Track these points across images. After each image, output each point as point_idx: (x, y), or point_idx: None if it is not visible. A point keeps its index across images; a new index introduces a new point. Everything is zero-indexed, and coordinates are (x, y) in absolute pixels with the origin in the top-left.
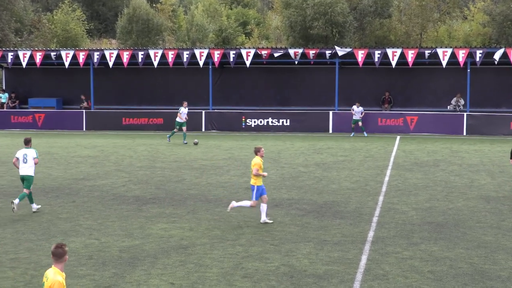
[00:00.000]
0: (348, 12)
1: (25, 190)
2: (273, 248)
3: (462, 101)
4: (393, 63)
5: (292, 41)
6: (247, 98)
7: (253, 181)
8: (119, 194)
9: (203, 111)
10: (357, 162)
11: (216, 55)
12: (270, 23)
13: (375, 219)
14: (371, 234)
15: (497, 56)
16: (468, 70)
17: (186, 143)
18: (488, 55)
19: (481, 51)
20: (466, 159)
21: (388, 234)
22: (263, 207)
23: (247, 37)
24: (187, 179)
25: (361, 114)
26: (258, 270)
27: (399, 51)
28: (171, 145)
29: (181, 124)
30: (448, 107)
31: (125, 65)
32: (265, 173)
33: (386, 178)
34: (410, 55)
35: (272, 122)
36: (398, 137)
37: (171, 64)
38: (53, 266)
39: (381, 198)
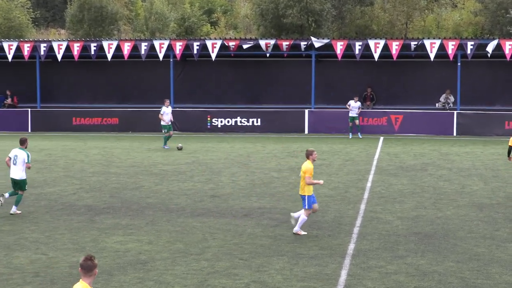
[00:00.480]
0: None
1: (20, 192)
2: (242, 263)
3: (452, 98)
4: (376, 56)
5: (263, 31)
6: (213, 95)
7: (302, 191)
8: (69, 203)
9: None
10: (336, 167)
11: (178, 46)
12: (238, 11)
13: (356, 229)
14: (351, 246)
15: (490, 48)
16: (459, 64)
17: (167, 148)
18: (481, 47)
19: (472, 43)
20: (456, 163)
21: (370, 247)
22: (303, 219)
23: (212, 27)
24: (146, 186)
25: (358, 109)
26: (225, 287)
27: (382, 42)
28: (127, 149)
29: (168, 128)
30: (437, 104)
31: (76, 58)
32: (321, 181)
33: (368, 184)
34: (395, 47)
35: (241, 122)
36: (382, 138)
37: (127, 57)
38: (81, 280)
39: (362, 207)
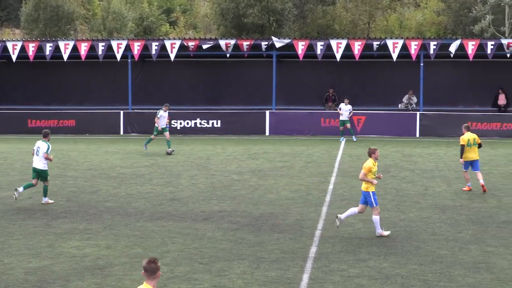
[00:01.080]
0: None
1: (45, 183)
2: (202, 268)
3: (414, 99)
4: (338, 56)
5: (223, 31)
6: (172, 96)
7: (365, 186)
8: (24, 207)
9: (121, 111)
10: (297, 169)
11: (136, 47)
12: (198, 10)
13: (318, 233)
14: (313, 249)
15: (453, 48)
16: (421, 64)
17: (173, 150)
18: (443, 47)
19: (435, 43)
20: (419, 164)
21: (332, 250)
22: (375, 219)
23: (171, 27)
24: (103, 190)
25: (349, 113)
26: None
27: (344, 42)
28: (84, 152)
29: (159, 131)
30: (399, 105)
31: (31, 58)
32: (374, 180)
33: (330, 187)
34: (357, 47)
35: (200, 123)
36: (344, 139)
37: (84, 58)
38: (145, 283)
39: (324, 209)
